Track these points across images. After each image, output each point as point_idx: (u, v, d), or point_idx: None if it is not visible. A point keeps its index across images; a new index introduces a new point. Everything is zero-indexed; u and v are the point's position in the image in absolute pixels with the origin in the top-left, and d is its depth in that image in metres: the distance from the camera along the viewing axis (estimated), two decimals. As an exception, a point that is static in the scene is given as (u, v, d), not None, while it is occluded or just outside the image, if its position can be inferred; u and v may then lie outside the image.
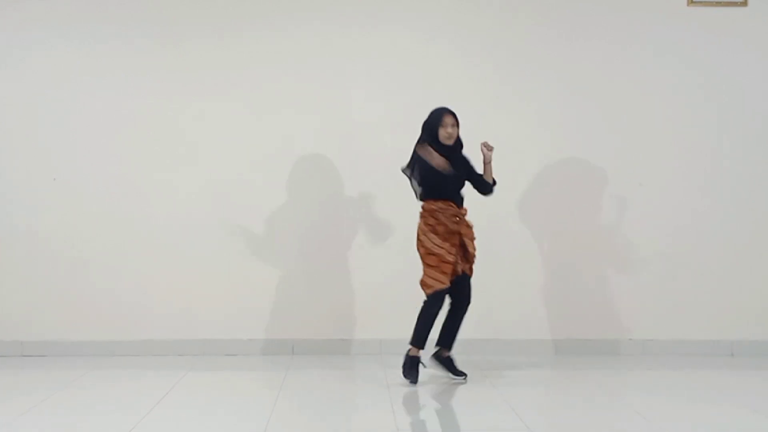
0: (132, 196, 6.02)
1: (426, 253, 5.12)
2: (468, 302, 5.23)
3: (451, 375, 5.23)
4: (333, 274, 6.06)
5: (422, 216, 5.18)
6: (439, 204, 5.11)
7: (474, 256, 5.19)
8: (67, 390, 5.01)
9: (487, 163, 5.23)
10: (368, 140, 6.03)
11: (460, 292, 5.20)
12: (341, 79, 6.07)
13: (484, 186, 5.27)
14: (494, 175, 5.28)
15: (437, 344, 5.27)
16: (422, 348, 5.13)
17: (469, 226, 5.18)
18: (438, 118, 5.14)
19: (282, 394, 4.90)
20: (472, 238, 5.19)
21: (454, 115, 5.15)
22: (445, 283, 5.06)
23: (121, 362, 5.77)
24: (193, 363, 5.73)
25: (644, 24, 6.12)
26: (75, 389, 5.04)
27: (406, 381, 5.11)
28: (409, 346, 5.14)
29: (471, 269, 5.23)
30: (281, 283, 6.05)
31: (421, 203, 5.21)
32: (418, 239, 5.17)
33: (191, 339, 5.99)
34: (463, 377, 5.20)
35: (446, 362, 5.26)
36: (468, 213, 5.21)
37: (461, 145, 5.23)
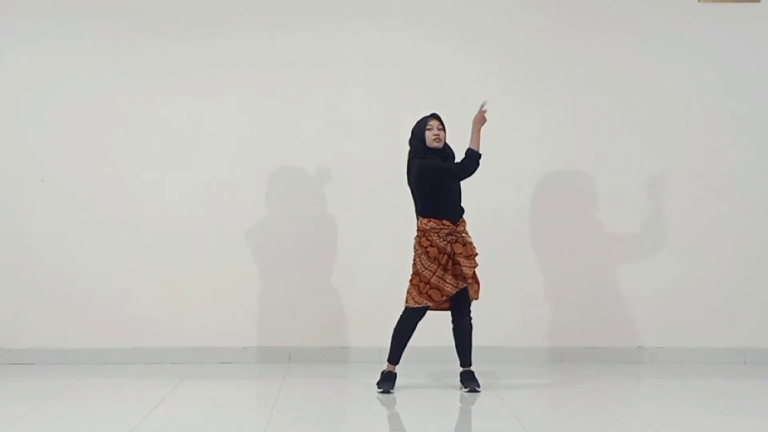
0: (121, 198, 5.94)
1: (414, 272, 5.10)
2: (463, 318, 5.12)
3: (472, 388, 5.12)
4: (331, 280, 5.98)
5: (417, 236, 5.11)
6: (433, 223, 5.01)
7: (470, 275, 5.01)
8: (56, 400, 4.91)
9: (476, 125, 5.00)
10: (367, 141, 5.96)
11: (455, 308, 5.12)
12: (338, 77, 5.99)
13: (469, 166, 4.98)
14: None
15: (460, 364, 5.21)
16: (395, 364, 5.09)
17: (465, 243, 5.01)
18: (423, 122, 5.08)
19: (278, 404, 4.80)
20: (469, 256, 5.01)
21: (439, 118, 5.08)
22: (420, 303, 5.01)
23: (112, 371, 5.70)
24: (186, 371, 5.65)
25: (655, 19, 6.04)
26: (64, 399, 4.95)
27: (385, 391, 5.04)
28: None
29: (474, 289, 5.06)
30: (277, 288, 5.97)
31: (416, 221, 5.13)
32: (415, 258, 5.10)
33: (184, 347, 5.91)
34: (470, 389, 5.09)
35: (462, 376, 5.18)
36: (467, 224, 5.08)
37: (452, 154, 5.12)
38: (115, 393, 5.14)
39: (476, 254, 5.06)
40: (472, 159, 4.97)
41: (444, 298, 5.02)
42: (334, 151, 5.95)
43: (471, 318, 5.14)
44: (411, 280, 5.08)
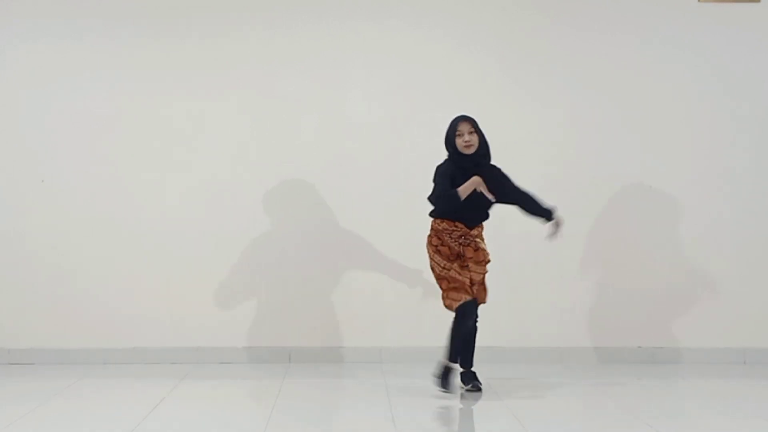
0: (121, 198, 5.91)
1: (437, 277, 4.98)
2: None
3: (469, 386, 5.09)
4: (331, 280, 5.96)
5: (429, 235, 5.03)
6: (446, 225, 4.93)
7: (478, 281, 4.96)
8: (56, 400, 4.90)
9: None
10: (367, 141, 5.93)
11: None
12: (338, 77, 5.96)
13: (536, 207, 4.98)
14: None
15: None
16: (454, 362, 4.99)
17: (477, 249, 4.94)
18: (453, 128, 4.93)
19: (278, 404, 4.80)
20: (479, 262, 4.96)
21: (470, 121, 4.92)
22: (463, 298, 4.88)
23: (112, 371, 5.69)
24: (186, 371, 5.63)
25: (655, 19, 6.02)
26: (64, 399, 4.94)
27: (441, 390, 4.97)
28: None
29: (482, 296, 5.02)
30: (277, 288, 5.95)
31: (430, 219, 5.04)
32: (429, 259, 5.00)
33: (184, 347, 5.89)
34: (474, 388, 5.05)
35: (463, 376, 5.14)
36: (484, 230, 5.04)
37: (488, 153, 4.99)
38: (115, 393, 5.12)
39: (488, 261, 4.99)
40: (451, 198, 4.81)
41: (465, 284, 4.88)
42: (334, 151, 5.93)
43: (477, 320, 5.11)
44: (440, 286, 4.96)
